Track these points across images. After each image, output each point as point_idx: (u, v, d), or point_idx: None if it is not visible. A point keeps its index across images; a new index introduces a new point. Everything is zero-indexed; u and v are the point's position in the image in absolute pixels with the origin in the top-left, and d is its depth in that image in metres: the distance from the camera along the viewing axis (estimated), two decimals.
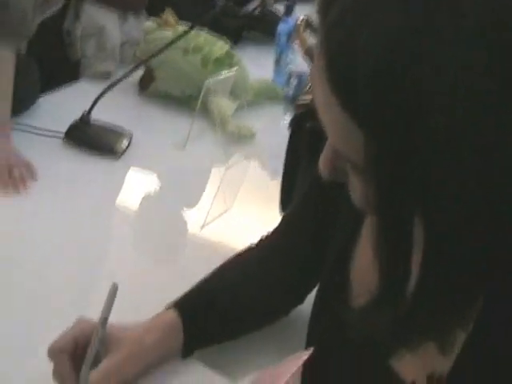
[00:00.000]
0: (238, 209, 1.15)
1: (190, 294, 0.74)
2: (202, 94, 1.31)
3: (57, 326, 0.66)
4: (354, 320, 0.53)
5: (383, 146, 0.43)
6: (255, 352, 0.77)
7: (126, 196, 1.16)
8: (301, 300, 0.80)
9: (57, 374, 0.65)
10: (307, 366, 0.57)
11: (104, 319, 0.63)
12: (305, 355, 0.59)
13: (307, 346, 0.64)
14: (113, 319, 0.61)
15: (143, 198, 1.16)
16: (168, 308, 0.71)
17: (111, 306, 0.63)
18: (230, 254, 0.80)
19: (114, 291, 0.63)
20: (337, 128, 0.47)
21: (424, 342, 0.51)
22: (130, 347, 0.66)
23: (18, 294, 0.83)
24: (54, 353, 0.64)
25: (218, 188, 1.24)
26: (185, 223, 1.12)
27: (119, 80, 1.25)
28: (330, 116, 0.46)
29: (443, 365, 0.55)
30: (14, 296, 0.82)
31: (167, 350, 0.69)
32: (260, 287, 0.78)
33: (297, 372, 0.57)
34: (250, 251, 0.81)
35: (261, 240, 0.82)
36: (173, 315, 0.70)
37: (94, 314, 0.62)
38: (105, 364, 0.64)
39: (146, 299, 0.81)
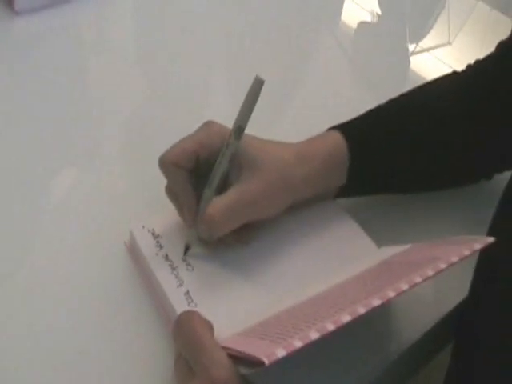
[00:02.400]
0: (459, 44, 0.93)
1: (358, 118, 0.55)
2: None
3: None
4: None
5: None
6: (417, 222, 0.58)
7: None
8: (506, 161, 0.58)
9: (170, 191, 0.50)
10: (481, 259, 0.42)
11: (239, 128, 0.47)
12: (480, 243, 0.41)
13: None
14: None
15: None
16: (327, 130, 0.54)
17: (251, 109, 0.47)
18: None
19: (257, 88, 0.46)
20: None
21: None
22: (272, 174, 0.48)
23: None
24: (165, 165, 0.48)
25: (438, 17, 1.01)
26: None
27: None
28: None
29: None
30: None
31: (323, 184, 0.51)
32: (455, 119, 0.55)
33: (462, 260, 0.40)
34: (451, 75, 0.61)
35: (468, 66, 0.61)
36: (336, 137, 0.52)
37: None
38: (235, 191, 0.47)
39: None
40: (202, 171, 0.48)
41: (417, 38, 0.93)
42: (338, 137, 0.52)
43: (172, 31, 0.81)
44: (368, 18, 0.97)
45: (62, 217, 0.56)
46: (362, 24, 0.96)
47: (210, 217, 0.46)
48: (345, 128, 0.53)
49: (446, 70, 0.85)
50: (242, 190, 0.46)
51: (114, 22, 0.84)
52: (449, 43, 0.94)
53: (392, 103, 0.56)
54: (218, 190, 0.47)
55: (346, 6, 0.99)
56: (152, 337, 0.47)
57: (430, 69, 0.86)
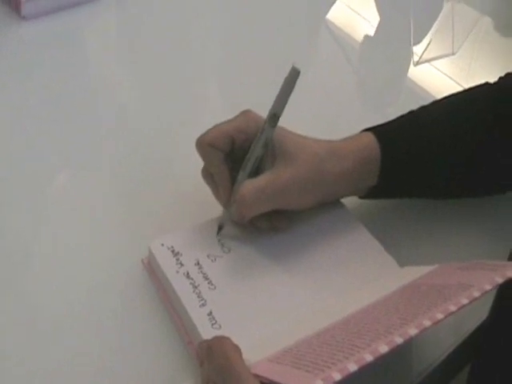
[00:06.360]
0: (462, 54, 0.92)
1: (390, 121, 0.56)
2: None
3: None
4: None
5: None
6: (439, 240, 0.57)
7: None
8: None
9: (206, 173, 0.52)
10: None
11: (274, 116, 0.49)
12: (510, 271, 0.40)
13: None
14: None
15: None
16: (360, 132, 0.55)
17: (287, 98, 0.49)
18: None
19: (293, 77, 0.49)
20: None
21: None
22: (306, 166, 0.49)
23: None
24: (202, 146, 0.50)
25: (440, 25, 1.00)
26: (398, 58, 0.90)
27: None
28: None
29: None
30: None
31: (354, 183, 0.53)
32: (486, 123, 0.56)
33: (495, 287, 0.39)
34: (483, 85, 0.60)
35: (500, 78, 0.61)
36: (369, 137, 0.53)
37: None
38: (267, 176, 0.49)
39: None
40: (237, 156, 0.50)
41: (420, 48, 0.93)
42: (370, 138, 0.53)
43: (177, 37, 0.81)
44: (371, 28, 0.97)
45: (77, 233, 0.55)
46: (365, 33, 0.95)
47: (242, 197, 0.48)
48: (377, 130, 0.54)
49: (449, 81, 0.85)
50: (275, 177, 0.49)
51: (119, 27, 0.84)
52: (452, 53, 0.94)
53: (423, 108, 0.57)
54: (251, 175, 0.49)
55: (348, 15, 0.98)
56: (171, 357, 0.46)
57: (433, 78, 0.85)
